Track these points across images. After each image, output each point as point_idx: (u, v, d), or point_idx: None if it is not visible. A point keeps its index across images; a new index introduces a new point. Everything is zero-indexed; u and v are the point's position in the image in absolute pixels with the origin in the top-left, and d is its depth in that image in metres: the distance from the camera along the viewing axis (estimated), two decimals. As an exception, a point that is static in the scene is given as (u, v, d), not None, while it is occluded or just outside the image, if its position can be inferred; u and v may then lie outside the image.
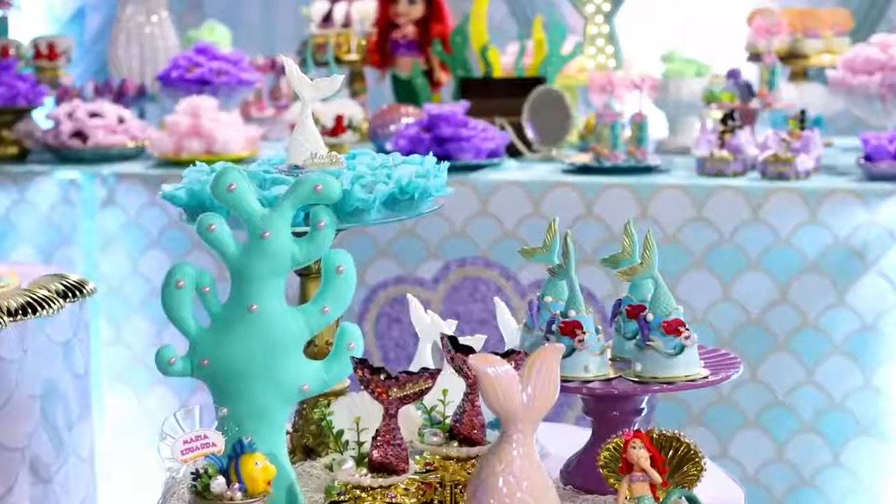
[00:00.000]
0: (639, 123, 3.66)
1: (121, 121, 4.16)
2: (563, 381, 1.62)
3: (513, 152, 3.96)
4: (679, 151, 4.00)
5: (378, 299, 3.65)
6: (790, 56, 4.21)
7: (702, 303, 3.39)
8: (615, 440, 1.57)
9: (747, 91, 3.85)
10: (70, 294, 1.98)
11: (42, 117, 4.42)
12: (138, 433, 3.89)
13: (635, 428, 1.74)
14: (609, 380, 1.71)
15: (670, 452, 1.56)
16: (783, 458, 3.37)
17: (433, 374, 1.57)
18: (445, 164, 1.81)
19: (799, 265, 3.31)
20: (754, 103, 3.83)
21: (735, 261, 3.37)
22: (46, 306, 1.89)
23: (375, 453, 1.58)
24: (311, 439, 1.84)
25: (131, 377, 3.90)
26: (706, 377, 1.70)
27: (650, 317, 1.69)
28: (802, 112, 3.54)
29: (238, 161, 3.98)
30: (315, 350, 1.78)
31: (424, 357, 1.93)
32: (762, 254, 3.34)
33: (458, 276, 3.59)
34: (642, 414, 1.76)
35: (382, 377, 1.56)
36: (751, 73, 4.15)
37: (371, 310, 3.66)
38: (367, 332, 3.67)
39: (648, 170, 3.63)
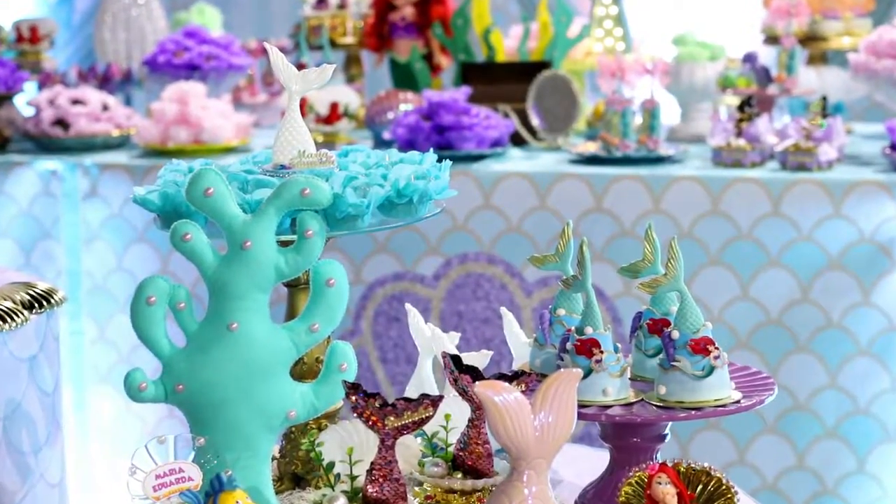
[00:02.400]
0: (650, 110, 3.52)
1: (105, 108, 4.02)
2: (580, 406, 1.48)
3: (517, 141, 3.82)
4: (693, 140, 3.86)
5: (375, 297, 3.52)
6: (808, 39, 4.07)
7: (718, 301, 3.26)
8: (638, 474, 1.42)
9: (765, 76, 3.70)
10: (37, 305, 1.84)
11: (24, 104, 4.28)
12: (124, 437, 3.77)
13: (657, 454, 1.61)
14: (630, 404, 1.57)
15: (699, 487, 1.42)
16: (804, 465, 3.24)
17: (435, 402, 1.43)
18: (447, 164, 1.66)
19: (821, 262, 3.17)
20: (772, 89, 3.69)
21: (754, 257, 3.24)
22: (10, 319, 1.75)
23: (370, 488, 1.45)
24: (299, 466, 1.69)
25: (117, 378, 3.77)
26: (738, 401, 1.56)
27: (675, 334, 1.54)
28: (824, 98, 3.40)
29: (228, 151, 3.87)
30: (304, 369, 1.64)
31: (424, 374, 1.79)
32: (782, 249, 3.20)
33: (459, 272, 3.46)
34: (665, 440, 1.61)
35: (378, 405, 1.42)
36: (768, 56, 4.01)
37: (368, 308, 3.53)
38: (364, 331, 3.54)
39: (661, 160, 3.49)
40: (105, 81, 4.40)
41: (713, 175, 3.30)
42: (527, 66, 4.00)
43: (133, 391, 1.44)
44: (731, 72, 3.75)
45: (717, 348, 1.54)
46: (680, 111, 4.04)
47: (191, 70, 4.17)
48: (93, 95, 4.04)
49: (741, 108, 3.45)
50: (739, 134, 3.41)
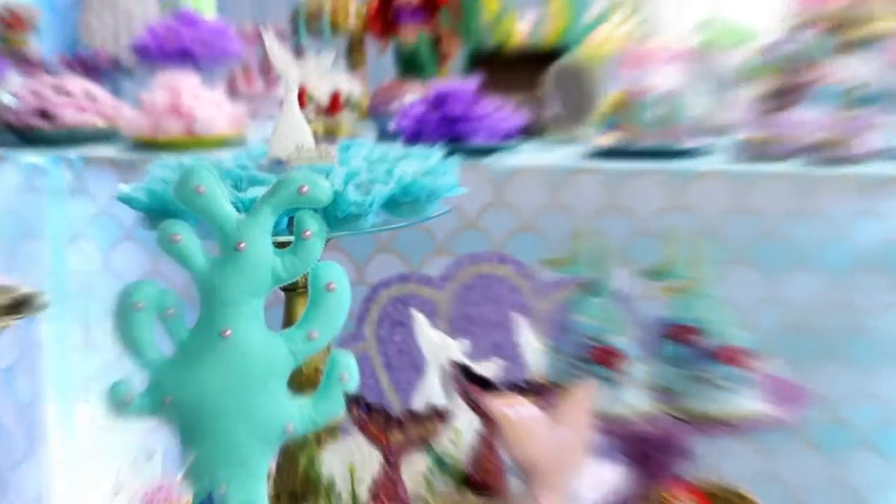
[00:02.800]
0: (672, 100, 3.49)
1: (91, 98, 4.00)
2: (598, 418, 1.45)
3: (531, 133, 3.80)
4: (717, 132, 3.83)
5: (380, 299, 3.50)
6: (841, 24, 4.04)
7: (744, 303, 3.24)
8: (660, 493, 1.40)
9: (796, 63, 3.68)
10: (16, 309, 1.82)
11: (5, 94, 4.26)
12: (112, 449, 3.75)
13: (682, 471, 1.59)
14: (652, 417, 1.54)
15: (728, 508, 1.40)
16: (838, 478, 3.22)
17: (443, 415, 1.41)
18: (456, 160, 1.64)
19: (854, 261, 3.16)
20: (803, 77, 3.67)
21: (782, 256, 3.22)
22: (-14, 326, 1.73)
23: (373, 509, 1.43)
24: (298, 484, 1.67)
25: (104, 386, 3.75)
26: (770, 415, 1.53)
27: (702, 342, 1.52)
28: (859, 87, 3.38)
29: (222, 144, 3.84)
30: (302, 379, 1.62)
31: (432, 384, 1.77)
32: (813, 248, 3.19)
33: (469, 273, 3.44)
34: (691, 456, 1.59)
35: (381, 418, 1.40)
36: (800, 42, 3.98)
37: (372, 311, 3.51)
38: (367, 336, 3.52)
39: (683, 153, 3.46)
40: (91, 70, 4.38)
41: (739, 169, 3.28)
42: (541, 54, 3.98)
43: (117, 404, 1.42)
44: (761, 59, 3.73)
45: (747, 357, 1.52)
46: (705, 101, 4.02)
47: (183, 57, 4.16)
48: (78, 85, 4.02)
49: (770, 97, 3.43)
50: (768, 126, 3.38)
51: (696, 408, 1.51)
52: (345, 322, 1.45)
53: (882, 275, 3.12)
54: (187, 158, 1.67)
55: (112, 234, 3.70)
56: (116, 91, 4.55)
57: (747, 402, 1.51)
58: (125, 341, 1.41)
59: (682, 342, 1.59)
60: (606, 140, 3.62)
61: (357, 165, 1.58)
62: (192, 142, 3.79)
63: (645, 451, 1.58)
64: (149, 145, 3.86)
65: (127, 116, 3.98)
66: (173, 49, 4.15)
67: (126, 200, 1.56)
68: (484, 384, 1.46)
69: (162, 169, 1.62)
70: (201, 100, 3.88)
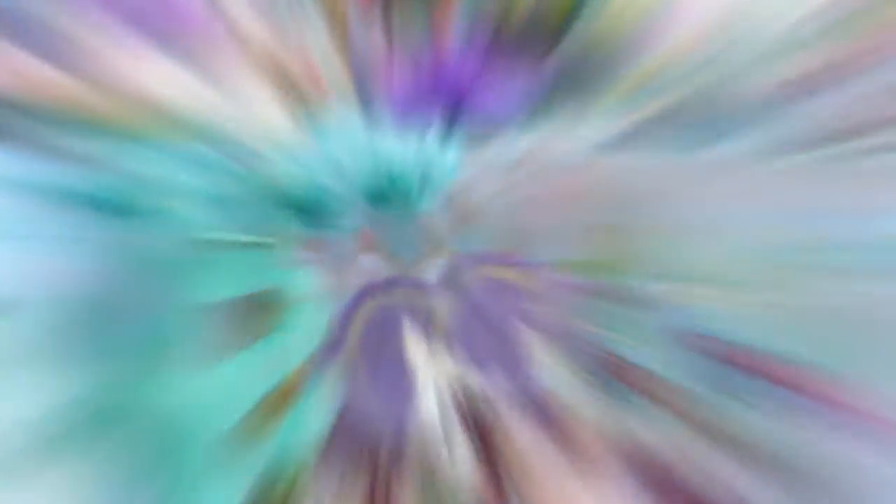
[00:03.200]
0: (701, 77, 3.52)
1: (21, 65, 4.02)
2: (620, 449, 1.48)
3: (543, 112, 3.83)
4: (754, 112, 3.86)
5: (365, 309, 3.52)
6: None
7: (795, 309, 3.25)
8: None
9: (846, 32, 3.71)
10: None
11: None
12: (43, 490, 3.77)
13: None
14: (679, 444, 1.56)
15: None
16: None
17: (439, 443, 1.43)
18: (455, 143, 1.66)
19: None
20: (856, 48, 3.69)
21: (831, 258, 3.23)
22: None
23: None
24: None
25: (38, 410, 3.78)
26: (828, 445, 1.55)
27: (743, 358, 1.54)
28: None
29: (182, 126, 3.86)
30: (274, 403, 1.64)
31: (427, 409, 1.79)
32: (866, 250, 3.20)
33: (470, 276, 3.46)
34: (723, 490, 1.61)
35: (367, 447, 1.42)
36: (851, 5, 4.01)
37: (356, 322, 3.53)
38: (350, 352, 3.54)
39: (714, 137, 3.49)
40: (21, 32, 4.41)
41: (779, 157, 3.30)
42: (553, 21, 4.00)
43: (55, 431, 1.44)
44: (805, 26, 3.76)
45: (801, 374, 1.54)
46: (739, 77, 4.04)
47: (132, 18, 4.18)
48: (8, 50, 4.05)
49: (817, 72, 3.46)
50: (813, 106, 3.41)
51: (738, 436, 1.53)
52: (323, 336, 1.47)
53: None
54: (141, 144, 1.68)
55: (52, 234, 3.71)
56: (54, 58, 4.58)
57: (799, 431, 1.53)
58: (67, 357, 1.43)
59: (717, 357, 1.61)
60: (627, 121, 3.63)
61: (337, 150, 1.60)
62: (147, 123, 3.81)
63: (670, 483, 1.59)
64: (90, 126, 3.87)
65: (62, 87, 3.99)
66: (120, 9, 4.17)
67: (62, 192, 1.58)
68: (487, 408, 1.47)
69: (113, 154, 1.64)
70: (156, 72, 3.90)
